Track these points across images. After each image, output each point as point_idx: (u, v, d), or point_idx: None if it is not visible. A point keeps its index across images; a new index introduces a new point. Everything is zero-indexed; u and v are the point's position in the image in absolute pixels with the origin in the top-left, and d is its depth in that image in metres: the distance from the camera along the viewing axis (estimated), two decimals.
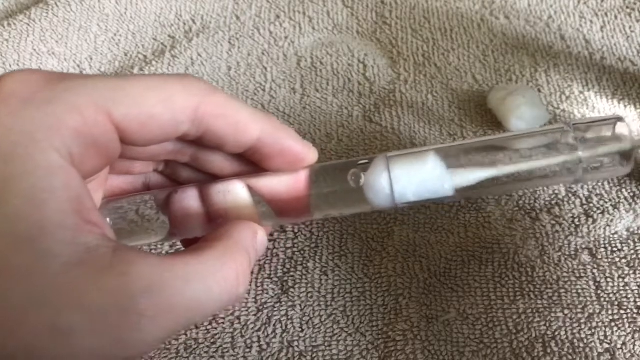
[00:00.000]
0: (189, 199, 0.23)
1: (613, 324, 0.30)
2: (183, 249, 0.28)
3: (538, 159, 0.22)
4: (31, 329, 0.16)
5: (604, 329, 0.29)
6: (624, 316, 0.30)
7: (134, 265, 0.17)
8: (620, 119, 0.21)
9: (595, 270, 0.31)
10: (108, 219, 0.23)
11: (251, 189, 0.23)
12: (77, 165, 0.18)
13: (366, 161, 0.23)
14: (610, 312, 0.30)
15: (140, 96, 0.18)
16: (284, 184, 0.23)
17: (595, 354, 0.29)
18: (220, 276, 0.19)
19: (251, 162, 0.23)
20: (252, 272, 0.31)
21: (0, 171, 0.16)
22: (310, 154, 0.23)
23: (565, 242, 0.32)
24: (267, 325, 0.30)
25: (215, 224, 0.23)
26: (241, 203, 0.23)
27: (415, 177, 0.22)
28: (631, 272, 0.31)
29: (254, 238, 0.22)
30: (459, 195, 0.22)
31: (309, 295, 0.31)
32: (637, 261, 0.31)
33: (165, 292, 0.17)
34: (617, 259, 0.31)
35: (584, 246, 0.32)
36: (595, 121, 0.22)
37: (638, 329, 0.29)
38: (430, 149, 0.22)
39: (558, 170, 0.22)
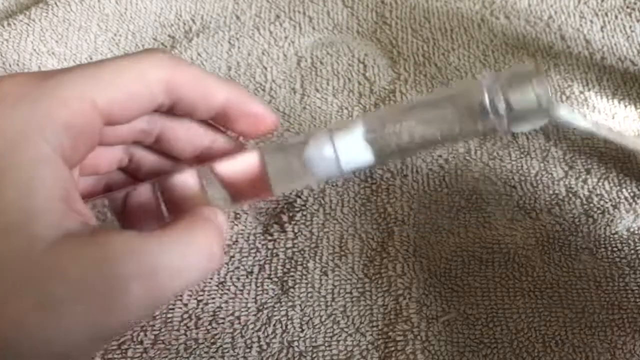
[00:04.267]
0: (144, 194, 0.25)
1: (613, 323, 0.30)
2: None
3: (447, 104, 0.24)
4: (17, 306, 0.17)
5: (604, 329, 0.29)
6: (624, 316, 0.30)
7: (113, 236, 0.18)
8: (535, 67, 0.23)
9: (595, 270, 0.31)
10: None
11: (211, 174, 0.25)
12: (67, 156, 0.19)
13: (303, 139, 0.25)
14: (610, 312, 0.30)
15: (118, 78, 0.20)
16: (239, 166, 0.25)
17: (595, 353, 0.29)
18: (194, 245, 0.20)
19: (212, 149, 0.25)
20: (252, 272, 0.31)
21: None
22: (272, 116, 0.25)
23: (565, 242, 0.32)
24: (267, 326, 0.30)
25: (173, 216, 0.25)
26: (192, 192, 0.25)
27: (346, 147, 0.24)
28: (631, 272, 0.31)
29: (216, 217, 0.23)
30: (388, 158, 0.25)
31: (309, 295, 0.31)
32: (637, 261, 0.31)
33: (144, 256, 0.18)
34: (617, 259, 0.31)
35: (583, 246, 0.32)
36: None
37: (638, 329, 0.29)
38: (358, 119, 0.24)
39: (472, 113, 0.23)
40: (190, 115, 0.24)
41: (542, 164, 0.35)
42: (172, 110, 0.23)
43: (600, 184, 0.34)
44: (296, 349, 0.29)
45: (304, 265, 0.32)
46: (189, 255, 0.20)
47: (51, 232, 0.17)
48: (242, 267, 0.32)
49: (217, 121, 0.25)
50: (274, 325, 0.30)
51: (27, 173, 0.18)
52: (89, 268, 0.17)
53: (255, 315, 0.30)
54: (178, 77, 0.22)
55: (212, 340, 0.30)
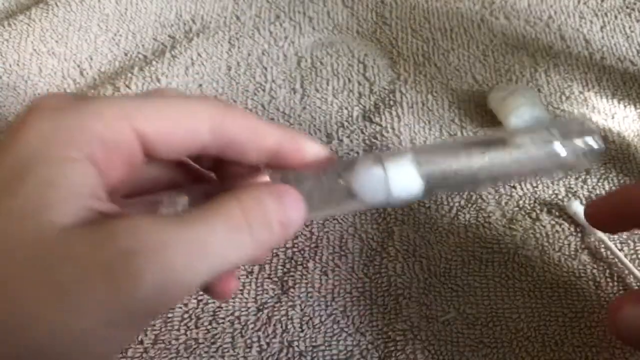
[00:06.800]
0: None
1: None
2: None
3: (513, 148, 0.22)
4: (33, 296, 0.17)
5: (603, 328, 0.29)
6: None
7: (122, 218, 0.18)
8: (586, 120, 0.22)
9: (595, 270, 0.31)
10: None
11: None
12: (101, 166, 0.19)
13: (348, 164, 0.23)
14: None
15: (161, 107, 0.20)
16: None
17: (595, 353, 0.29)
18: (212, 223, 0.19)
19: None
20: (252, 272, 0.31)
21: (19, 161, 0.18)
22: (327, 155, 0.24)
23: (565, 242, 0.32)
24: (267, 325, 0.30)
25: None
26: None
27: (398, 174, 0.22)
28: (630, 271, 0.31)
29: (272, 199, 0.21)
30: (436, 191, 0.23)
31: (309, 295, 0.31)
32: (637, 261, 0.32)
33: (152, 231, 0.18)
34: (617, 259, 0.31)
35: (583, 246, 0.32)
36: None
37: None
38: (409, 149, 0.23)
39: (538, 158, 0.22)
40: (240, 158, 0.23)
41: None
42: (220, 153, 0.23)
43: (599, 184, 0.34)
44: (296, 348, 0.29)
45: (304, 265, 0.32)
46: (205, 232, 0.18)
47: (65, 220, 0.18)
48: (242, 267, 0.32)
49: (269, 165, 0.24)
50: (274, 325, 0.30)
51: (53, 169, 0.18)
52: (95, 247, 0.17)
53: (255, 315, 0.30)
54: (228, 117, 0.22)
55: (212, 340, 0.30)
